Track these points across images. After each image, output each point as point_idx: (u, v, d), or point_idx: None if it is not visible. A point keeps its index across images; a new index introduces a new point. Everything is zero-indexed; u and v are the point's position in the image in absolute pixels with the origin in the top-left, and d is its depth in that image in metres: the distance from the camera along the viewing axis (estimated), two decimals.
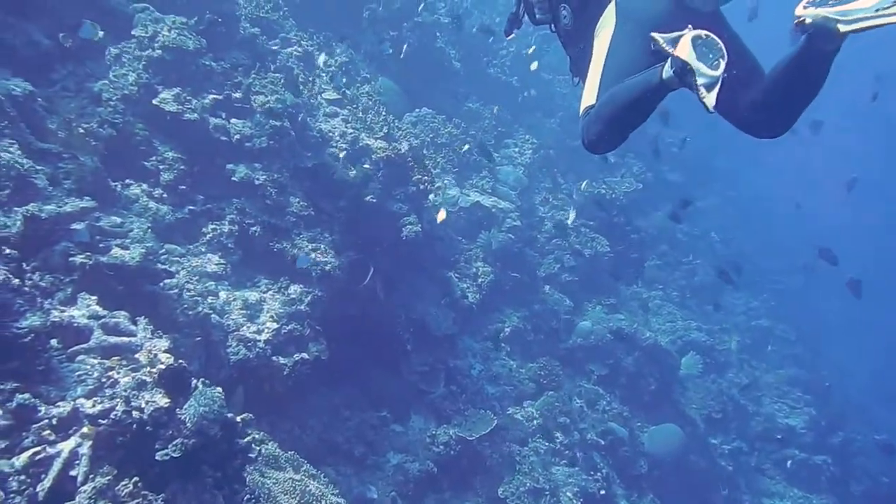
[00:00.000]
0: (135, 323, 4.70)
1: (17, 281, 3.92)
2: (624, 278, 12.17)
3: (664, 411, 11.55)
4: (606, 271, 11.53)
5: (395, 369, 8.46)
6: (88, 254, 4.97)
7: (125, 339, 4.45)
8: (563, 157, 13.29)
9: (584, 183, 11.63)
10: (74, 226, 5.09)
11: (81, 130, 6.08)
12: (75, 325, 4.34)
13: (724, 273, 10.06)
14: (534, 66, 11.00)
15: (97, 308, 4.57)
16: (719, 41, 2.29)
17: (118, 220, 6.09)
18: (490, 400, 9.18)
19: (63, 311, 4.39)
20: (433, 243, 9.03)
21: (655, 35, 2.39)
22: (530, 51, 11.16)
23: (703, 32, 2.30)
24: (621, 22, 2.69)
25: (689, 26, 2.35)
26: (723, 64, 2.25)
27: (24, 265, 4.66)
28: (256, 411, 6.29)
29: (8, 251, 4.06)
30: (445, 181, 10.23)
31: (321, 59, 8.70)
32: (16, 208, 4.72)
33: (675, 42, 2.33)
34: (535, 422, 9.46)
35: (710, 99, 2.23)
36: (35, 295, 4.05)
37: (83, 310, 4.48)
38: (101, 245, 5.36)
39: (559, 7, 2.98)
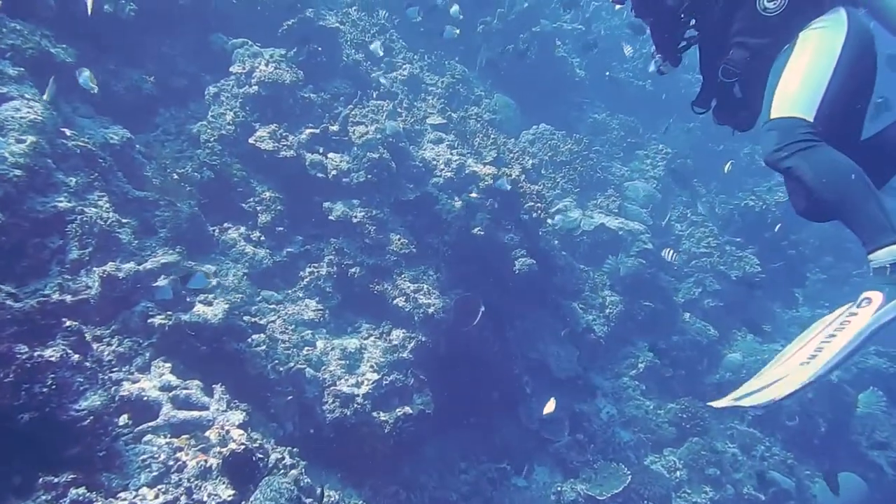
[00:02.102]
0: (210, 393, 4.29)
1: (76, 357, 3.59)
2: (781, 300, 10.56)
3: (839, 457, 9.81)
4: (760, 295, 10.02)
5: (513, 416, 7.66)
6: (169, 313, 4.66)
7: (196, 413, 4.04)
8: (704, 166, 11.86)
9: (728, 164, 10.15)
10: (158, 282, 4.81)
11: (176, 176, 5.90)
12: (144, 398, 3.99)
13: None
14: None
15: (170, 378, 4.21)
16: None
17: (212, 268, 5.84)
18: (623, 449, 8.11)
19: (133, 384, 4.06)
20: (552, 273, 8.15)
21: None
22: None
23: None
24: (853, 35, 2.35)
25: None
26: None
27: (103, 329, 4.43)
28: (356, 475, 5.80)
29: (68, 324, 3.75)
30: (566, 202, 9.31)
31: (374, 45, 8.15)
32: (95, 268, 4.50)
33: None
34: (678, 473, 8.26)
35: None
36: (97, 371, 3.72)
37: (155, 380, 4.14)
38: (187, 299, 5.07)
39: None
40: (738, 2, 2.55)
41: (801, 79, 2.31)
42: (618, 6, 3.16)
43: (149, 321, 4.52)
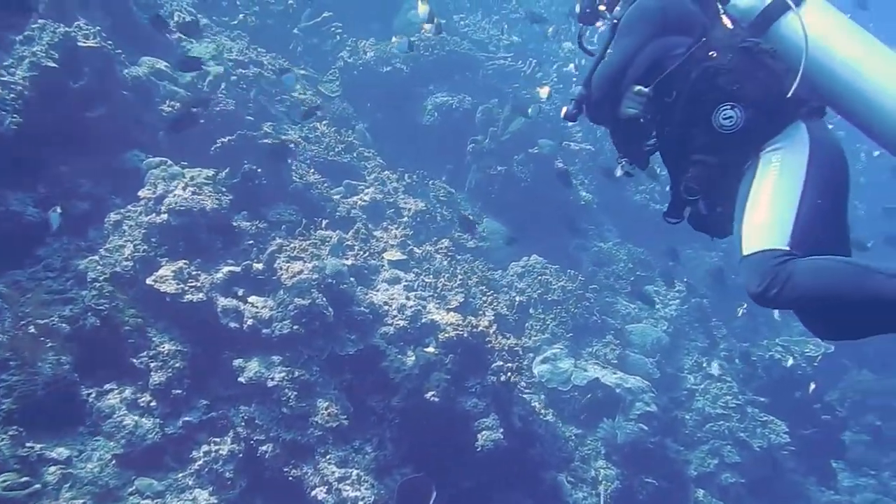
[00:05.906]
0: None
1: None
2: (817, 475, 8.79)
3: None
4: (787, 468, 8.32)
5: None
6: None
7: None
8: (723, 305, 10.39)
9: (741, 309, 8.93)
10: None
11: (33, 329, 4.68)
12: None
13: None
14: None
15: None
16: None
17: (65, 452, 4.51)
18: None
19: None
20: (528, 445, 6.63)
21: None
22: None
23: None
24: (816, 151, 2.17)
25: None
26: None
27: None
28: None
29: None
30: (556, 350, 7.89)
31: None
32: None
33: None
34: None
35: None
36: None
37: None
38: None
39: (718, 106, 2.26)
40: (694, 118, 2.34)
41: (769, 208, 2.16)
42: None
43: None
